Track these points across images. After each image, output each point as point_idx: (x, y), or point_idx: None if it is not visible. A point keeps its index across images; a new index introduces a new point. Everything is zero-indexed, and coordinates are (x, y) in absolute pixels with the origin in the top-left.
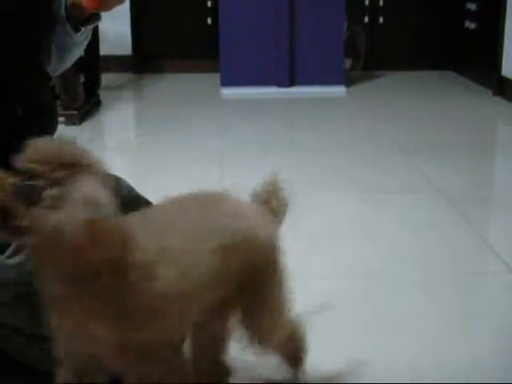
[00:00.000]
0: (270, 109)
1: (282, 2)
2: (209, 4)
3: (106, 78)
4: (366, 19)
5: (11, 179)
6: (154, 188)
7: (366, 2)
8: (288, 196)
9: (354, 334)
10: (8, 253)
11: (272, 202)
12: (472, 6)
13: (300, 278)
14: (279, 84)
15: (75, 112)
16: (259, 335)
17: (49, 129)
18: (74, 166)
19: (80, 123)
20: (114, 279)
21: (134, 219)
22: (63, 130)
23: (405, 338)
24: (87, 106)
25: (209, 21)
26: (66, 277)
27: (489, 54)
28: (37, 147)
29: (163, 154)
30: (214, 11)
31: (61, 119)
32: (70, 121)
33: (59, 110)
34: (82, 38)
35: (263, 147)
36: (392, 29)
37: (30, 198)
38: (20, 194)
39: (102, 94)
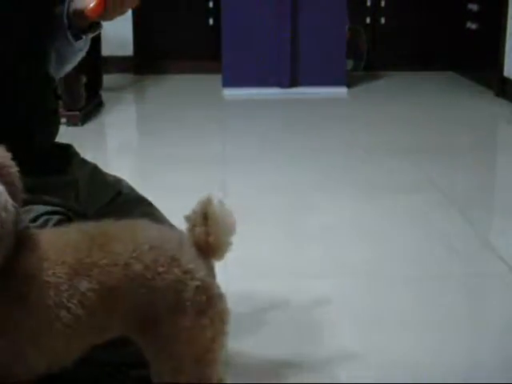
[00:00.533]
0: (271, 109)
1: (284, 3)
2: (210, 5)
3: (108, 79)
4: (368, 20)
5: None
6: (155, 188)
7: (368, 3)
8: (232, 230)
9: (353, 334)
10: None
11: (203, 236)
12: (474, 7)
13: (301, 277)
14: (281, 85)
15: (77, 113)
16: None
17: (52, 131)
18: None
19: (82, 124)
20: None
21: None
22: (65, 131)
23: (406, 338)
24: (89, 107)
25: (210, 21)
26: None
27: (490, 55)
28: None
29: (165, 154)
30: (216, 12)
31: (63, 120)
32: (72, 122)
33: (61, 111)
34: (82, 46)
35: (264, 147)
36: (393, 30)
37: None
38: None
39: (104, 95)
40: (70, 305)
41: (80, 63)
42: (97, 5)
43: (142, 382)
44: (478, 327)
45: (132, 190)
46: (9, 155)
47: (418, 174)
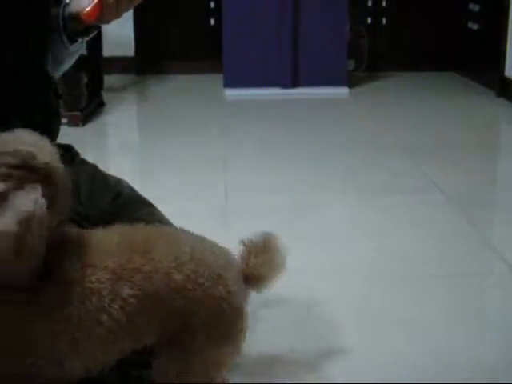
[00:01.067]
0: (272, 110)
1: (285, 3)
2: (211, 5)
3: (109, 80)
4: (369, 20)
5: None
6: (157, 189)
7: (369, 4)
8: (280, 272)
9: (353, 334)
10: None
11: (256, 267)
12: (475, 7)
13: (302, 277)
14: (282, 85)
15: (78, 113)
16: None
17: (53, 132)
18: (24, 169)
19: (83, 124)
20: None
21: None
22: (66, 131)
23: (405, 338)
24: (90, 107)
25: (211, 22)
26: None
27: (492, 55)
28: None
29: (166, 154)
30: (217, 12)
31: (64, 120)
32: (73, 122)
33: (62, 111)
34: (77, 48)
35: (266, 148)
36: (395, 30)
37: None
38: None
39: (105, 95)
40: (111, 310)
41: (81, 63)
42: (93, 9)
43: (143, 381)
44: (478, 327)
45: (132, 190)
46: (56, 154)
47: (420, 174)
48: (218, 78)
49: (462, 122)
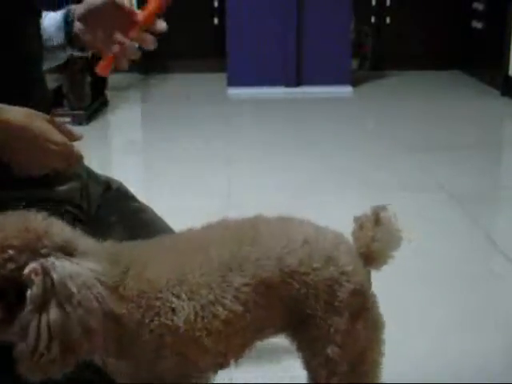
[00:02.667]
0: (276, 108)
1: (290, 2)
2: (215, 4)
3: (113, 79)
4: (373, 19)
5: None
6: (160, 187)
7: (373, 3)
8: (397, 244)
9: None
10: None
11: (368, 241)
12: (479, 6)
13: None
14: (286, 84)
15: (82, 112)
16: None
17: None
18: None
19: (87, 123)
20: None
21: (151, 247)
22: None
23: (411, 337)
24: (94, 106)
25: (215, 21)
26: None
27: (496, 54)
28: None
29: (170, 153)
30: (221, 11)
31: (68, 119)
32: (77, 120)
33: (66, 110)
34: (64, 56)
35: (270, 147)
36: (399, 29)
37: None
38: None
39: (109, 94)
40: (225, 301)
41: (85, 63)
42: (105, 66)
43: None
44: (482, 325)
45: (123, 186)
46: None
47: (424, 172)
48: (222, 77)
49: (466, 120)
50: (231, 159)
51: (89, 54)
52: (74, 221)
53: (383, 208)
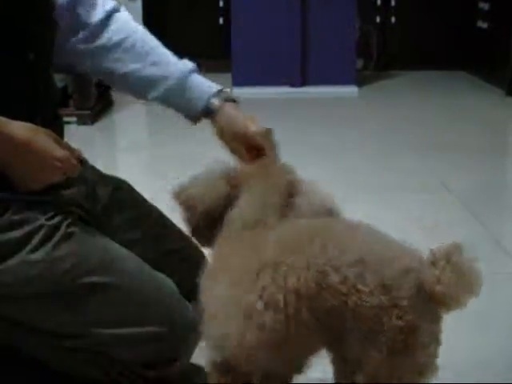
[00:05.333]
0: (281, 109)
1: (294, 1)
2: (220, 4)
3: None
4: (378, 19)
5: None
6: (165, 187)
7: (378, 2)
8: (470, 291)
9: None
10: (30, 247)
11: (433, 281)
12: (484, 6)
13: None
14: (291, 84)
15: (87, 112)
16: None
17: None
18: None
19: (92, 123)
20: None
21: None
22: (75, 130)
23: None
24: (99, 106)
25: (220, 21)
26: None
27: (501, 54)
28: None
29: (175, 152)
30: (226, 11)
31: (73, 119)
32: (83, 120)
33: (72, 110)
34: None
35: None
36: (404, 29)
37: None
38: None
39: (114, 94)
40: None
41: None
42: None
43: (153, 381)
44: (488, 327)
45: (130, 187)
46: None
47: (429, 173)
48: (227, 77)
49: (471, 120)
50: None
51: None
52: (79, 221)
53: (457, 249)
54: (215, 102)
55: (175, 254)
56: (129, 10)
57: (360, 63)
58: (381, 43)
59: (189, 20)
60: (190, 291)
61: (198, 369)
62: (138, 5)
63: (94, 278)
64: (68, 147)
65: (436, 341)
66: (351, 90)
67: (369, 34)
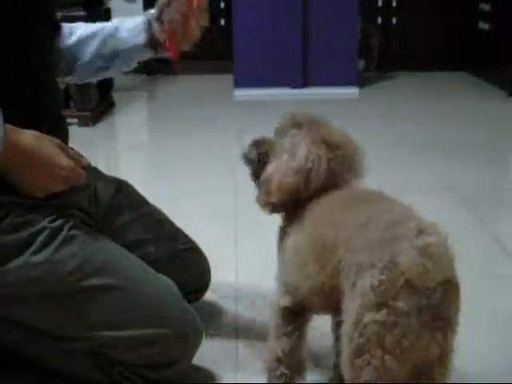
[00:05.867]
0: (283, 110)
1: (295, 3)
2: (222, 5)
3: (119, 80)
4: (380, 20)
5: None
6: (166, 187)
7: (380, 3)
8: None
9: None
10: (32, 249)
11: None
12: (486, 7)
13: None
14: (292, 85)
15: (88, 113)
16: None
17: (60, 135)
18: (302, 126)
19: (93, 124)
20: None
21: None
22: (77, 131)
23: None
24: (100, 108)
25: (222, 22)
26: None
27: (503, 55)
28: (289, 111)
29: (176, 154)
30: (227, 12)
31: (74, 120)
32: (84, 122)
33: (73, 112)
34: (140, 57)
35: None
36: (405, 30)
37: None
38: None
39: (115, 96)
40: None
41: None
42: (171, 45)
43: (153, 383)
44: (490, 329)
45: (132, 188)
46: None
47: (431, 174)
48: (228, 79)
49: (474, 121)
50: (238, 160)
51: (165, 55)
52: (81, 223)
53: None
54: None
55: (177, 255)
56: (129, 11)
57: (361, 64)
58: (382, 44)
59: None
60: (192, 293)
61: (199, 370)
62: (139, 6)
63: (96, 280)
64: (74, 154)
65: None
66: (352, 92)
67: (370, 36)
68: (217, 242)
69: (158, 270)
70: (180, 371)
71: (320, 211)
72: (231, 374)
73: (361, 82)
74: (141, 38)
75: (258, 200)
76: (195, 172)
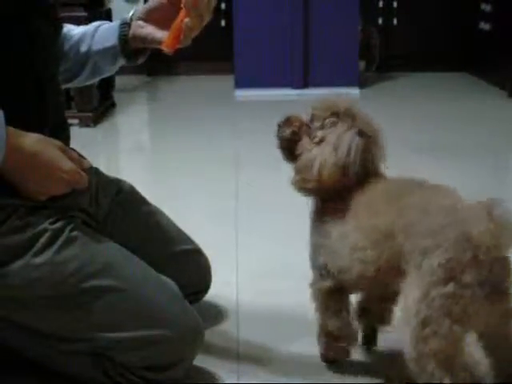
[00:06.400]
0: (283, 110)
1: (296, 3)
2: (222, 6)
3: (120, 80)
4: (380, 21)
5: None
6: (168, 188)
7: (380, 4)
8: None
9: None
10: (33, 251)
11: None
12: (487, 7)
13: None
14: (293, 85)
15: (89, 114)
16: None
17: (62, 137)
18: (340, 115)
19: (94, 125)
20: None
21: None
22: (78, 132)
23: None
24: (101, 108)
25: (222, 23)
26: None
27: (504, 56)
28: (322, 99)
29: (177, 155)
30: (228, 13)
31: (75, 121)
32: (85, 122)
33: (74, 113)
34: (117, 67)
35: (277, 148)
36: (406, 30)
37: (309, 134)
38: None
39: (116, 96)
40: None
41: None
42: (172, 38)
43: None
44: None
45: (132, 189)
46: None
47: (432, 174)
48: (229, 79)
49: (474, 122)
50: (239, 161)
51: (137, 62)
52: (83, 225)
53: (497, 203)
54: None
55: (178, 256)
56: (130, 12)
57: (362, 65)
58: (383, 45)
59: None
60: (192, 293)
61: (200, 371)
62: (140, 7)
63: (97, 282)
64: (77, 157)
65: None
66: (353, 92)
67: (371, 36)
68: (217, 242)
69: (159, 271)
70: (181, 372)
71: (369, 200)
72: (232, 374)
73: (361, 82)
74: (110, 41)
75: (294, 183)
76: (196, 172)
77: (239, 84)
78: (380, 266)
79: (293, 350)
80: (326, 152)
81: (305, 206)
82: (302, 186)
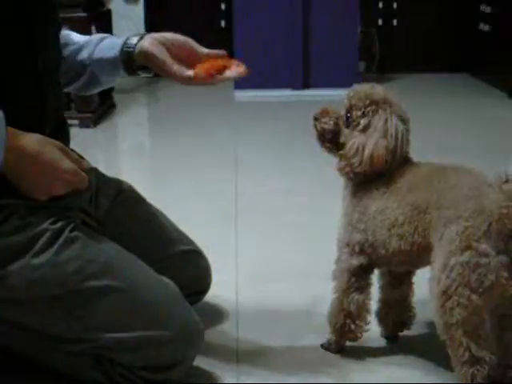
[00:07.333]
0: (283, 111)
1: (296, 5)
2: (222, 7)
3: (120, 81)
4: (380, 22)
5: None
6: (167, 189)
7: (380, 5)
8: None
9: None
10: (34, 251)
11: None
12: (486, 8)
13: (314, 279)
14: (293, 87)
15: (89, 115)
16: None
17: (62, 138)
18: (380, 103)
19: (94, 126)
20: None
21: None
22: (78, 133)
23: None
24: (101, 109)
25: (222, 23)
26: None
27: (504, 57)
28: (356, 89)
29: (177, 156)
30: (228, 14)
31: (75, 122)
32: (85, 123)
33: (74, 113)
34: (115, 79)
35: (277, 150)
36: (406, 31)
37: (348, 123)
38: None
39: (116, 97)
40: None
41: None
42: (206, 75)
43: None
44: None
45: (132, 189)
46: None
47: None
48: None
49: (474, 123)
50: (238, 162)
51: (150, 74)
52: (83, 225)
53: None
54: (133, 39)
55: (178, 257)
56: (130, 13)
57: (362, 66)
58: (383, 46)
59: (191, 23)
60: (193, 294)
61: (200, 371)
62: (140, 8)
63: (97, 282)
64: (76, 158)
65: None
66: None
67: (371, 37)
68: (217, 242)
69: (159, 272)
70: (181, 372)
71: (409, 180)
72: (232, 374)
73: (361, 83)
74: (113, 52)
75: (342, 168)
76: (195, 173)
77: (238, 85)
78: (415, 240)
79: (292, 350)
80: (376, 137)
81: (304, 206)
82: (350, 170)
